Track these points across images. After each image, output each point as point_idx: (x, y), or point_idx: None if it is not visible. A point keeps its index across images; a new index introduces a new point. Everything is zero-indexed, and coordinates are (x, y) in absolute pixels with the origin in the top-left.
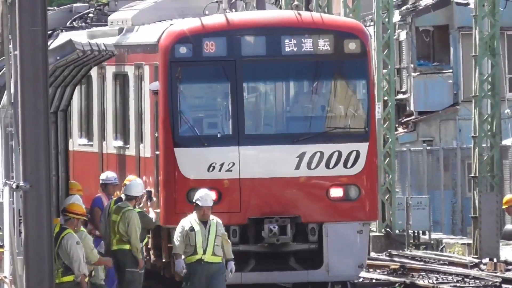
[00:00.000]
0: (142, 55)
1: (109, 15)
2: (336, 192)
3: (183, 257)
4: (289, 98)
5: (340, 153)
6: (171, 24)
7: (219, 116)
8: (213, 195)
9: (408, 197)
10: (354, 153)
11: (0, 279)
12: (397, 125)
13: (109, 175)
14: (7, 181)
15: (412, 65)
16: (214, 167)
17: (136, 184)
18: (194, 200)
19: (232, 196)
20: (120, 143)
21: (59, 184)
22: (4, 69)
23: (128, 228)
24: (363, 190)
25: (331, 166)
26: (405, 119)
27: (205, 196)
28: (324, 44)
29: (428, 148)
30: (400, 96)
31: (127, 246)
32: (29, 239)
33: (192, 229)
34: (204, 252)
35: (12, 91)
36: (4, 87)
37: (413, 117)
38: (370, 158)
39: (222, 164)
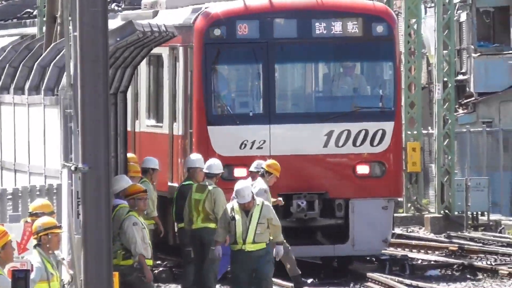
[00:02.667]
0: (176, 37)
1: None
2: (362, 169)
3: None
4: (318, 78)
5: (366, 132)
6: (205, 7)
7: (251, 95)
8: (248, 183)
9: (467, 178)
10: (380, 132)
11: (58, 260)
12: (456, 106)
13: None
14: (65, 163)
15: (472, 46)
16: (245, 145)
17: (217, 162)
18: (233, 196)
19: None
20: (152, 121)
21: (118, 166)
22: (64, 50)
23: (215, 206)
24: (388, 167)
25: (357, 144)
26: (465, 100)
27: (242, 191)
28: (352, 27)
29: (488, 129)
30: (460, 77)
31: (212, 225)
32: (87, 221)
33: (233, 218)
34: (244, 242)
35: (72, 72)
36: (64, 69)
37: (473, 98)
38: (396, 136)
39: (253, 142)
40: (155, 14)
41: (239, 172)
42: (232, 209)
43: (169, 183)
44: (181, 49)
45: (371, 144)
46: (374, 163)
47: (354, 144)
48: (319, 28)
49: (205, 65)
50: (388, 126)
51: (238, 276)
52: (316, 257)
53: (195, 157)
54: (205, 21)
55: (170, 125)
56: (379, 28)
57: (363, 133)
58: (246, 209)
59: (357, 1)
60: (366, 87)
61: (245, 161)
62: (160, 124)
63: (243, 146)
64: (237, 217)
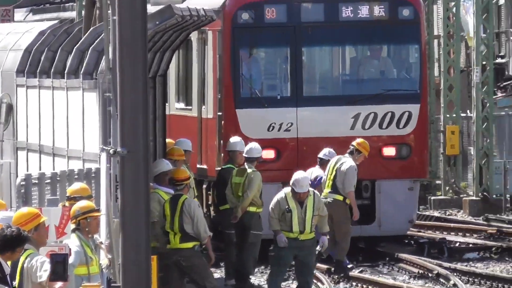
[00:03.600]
0: None
1: None
2: (389, 151)
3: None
4: (345, 62)
5: (393, 114)
6: None
7: (279, 79)
8: (272, 153)
9: (506, 161)
10: (406, 114)
11: (96, 244)
12: (495, 89)
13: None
14: (104, 147)
15: (511, 30)
16: (273, 127)
17: (256, 145)
18: (290, 183)
19: (290, 155)
20: (182, 105)
21: (157, 150)
22: (103, 34)
23: (248, 187)
24: (414, 149)
25: (384, 126)
26: (503, 84)
27: (301, 181)
28: (379, 11)
29: None
30: (499, 60)
31: (253, 208)
32: (125, 205)
33: (289, 210)
34: (301, 232)
35: (111, 56)
36: (103, 53)
37: (511, 81)
38: (422, 118)
39: (281, 124)
40: None
41: (267, 153)
42: (285, 199)
43: (198, 165)
44: (210, 33)
45: (397, 126)
46: (400, 145)
47: (380, 126)
48: (346, 12)
49: (233, 49)
50: (414, 108)
51: (283, 258)
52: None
53: (235, 140)
54: (233, 5)
55: (199, 108)
56: (405, 12)
57: (389, 115)
58: (300, 200)
59: None
60: (392, 70)
61: (273, 143)
62: (190, 107)
63: (271, 128)
64: (292, 208)
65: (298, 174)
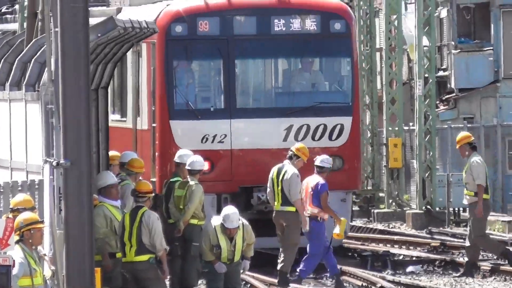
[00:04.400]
0: None
1: None
2: None
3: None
4: (278, 74)
5: (325, 126)
6: (167, 5)
7: (212, 91)
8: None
9: (449, 174)
10: (338, 126)
11: (40, 256)
12: (437, 102)
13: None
14: (47, 159)
15: (453, 43)
16: (207, 139)
17: (199, 158)
18: (221, 220)
19: (224, 166)
20: (117, 116)
21: (100, 162)
22: (45, 46)
23: (189, 199)
24: (346, 161)
25: (316, 138)
26: (445, 96)
27: (231, 216)
28: (311, 24)
29: (469, 125)
30: (441, 73)
31: (194, 221)
32: (69, 216)
33: (218, 246)
34: (231, 261)
35: (53, 68)
36: (45, 65)
37: (453, 94)
38: (354, 131)
39: (214, 136)
40: (119, 11)
41: None
42: (215, 234)
43: None
44: (144, 46)
45: (330, 138)
46: (333, 156)
47: (313, 138)
48: (278, 25)
49: (167, 61)
50: (346, 121)
51: (218, 273)
52: (276, 248)
53: (182, 152)
54: (167, 18)
55: (134, 120)
56: (337, 25)
57: (321, 127)
58: (230, 235)
59: None
60: (325, 82)
61: (207, 155)
62: (124, 119)
63: (204, 140)
64: (222, 244)
65: (228, 210)
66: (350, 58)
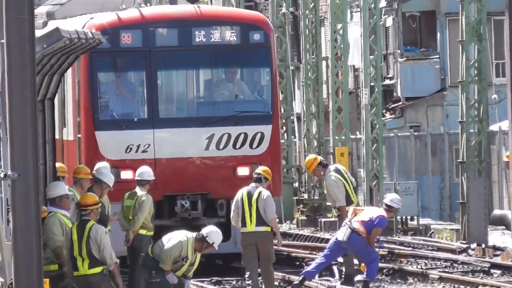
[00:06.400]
0: None
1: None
2: (243, 171)
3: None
4: (199, 84)
5: (246, 135)
6: (91, 18)
7: (136, 101)
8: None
9: (396, 182)
10: (259, 135)
11: None
12: (384, 111)
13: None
14: None
15: (398, 51)
16: (131, 148)
17: (148, 169)
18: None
19: None
20: None
21: (47, 173)
22: None
23: (138, 210)
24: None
25: (238, 146)
26: (392, 105)
27: (218, 238)
28: (230, 35)
29: (416, 133)
30: (387, 82)
31: (143, 231)
32: (17, 227)
33: (186, 260)
34: (184, 276)
35: None
36: None
37: (400, 103)
38: (274, 139)
39: (138, 146)
40: (45, 24)
41: (125, 174)
42: (187, 248)
43: None
44: None
45: (251, 146)
46: (254, 164)
47: (234, 147)
48: (199, 36)
49: (91, 73)
50: (266, 129)
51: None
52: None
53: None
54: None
55: (60, 130)
56: (256, 36)
57: (242, 136)
58: (201, 252)
59: (235, 10)
60: (245, 92)
61: (131, 164)
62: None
63: (128, 150)
64: (190, 257)
65: (219, 236)
66: (270, 68)
